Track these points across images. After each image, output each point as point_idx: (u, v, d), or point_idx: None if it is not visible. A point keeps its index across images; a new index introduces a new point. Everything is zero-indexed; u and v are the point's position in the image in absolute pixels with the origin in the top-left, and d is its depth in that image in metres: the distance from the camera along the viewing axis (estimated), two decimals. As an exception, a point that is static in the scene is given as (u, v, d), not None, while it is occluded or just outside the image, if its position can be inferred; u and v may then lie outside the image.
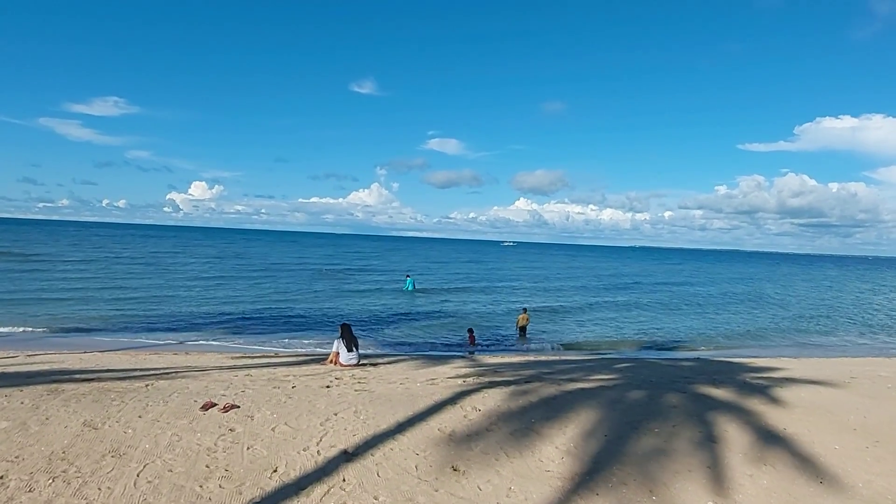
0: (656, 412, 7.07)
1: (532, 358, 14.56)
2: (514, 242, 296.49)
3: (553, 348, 18.25)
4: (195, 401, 6.89)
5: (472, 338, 18.02)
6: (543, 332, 21.11)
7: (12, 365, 9.95)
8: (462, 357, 14.67)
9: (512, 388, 8.21)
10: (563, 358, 14.70)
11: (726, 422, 6.73)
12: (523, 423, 6.48)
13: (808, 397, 8.22)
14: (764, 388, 8.75)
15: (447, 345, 17.96)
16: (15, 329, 16.89)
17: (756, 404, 7.61)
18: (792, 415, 7.18)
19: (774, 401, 7.87)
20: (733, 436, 6.26)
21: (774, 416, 7.05)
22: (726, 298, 37.67)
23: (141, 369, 9.81)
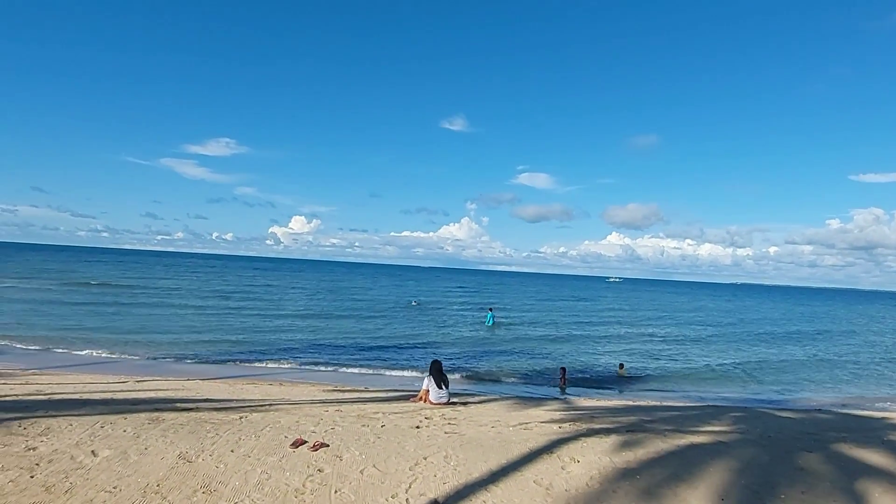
0: (784, 475, 6.19)
1: (631, 402, 13.63)
2: (620, 278, 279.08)
3: (650, 391, 17.07)
4: (286, 436, 6.83)
5: (563, 378, 17.25)
6: (640, 371, 19.90)
7: (121, 391, 10.48)
8: (555, 399, 14.01)
9: (612, 437, 7.56)
10: (665, 404, 13.64)
11: (874, 491, 5.76)
12: (627, 481, 5.86)
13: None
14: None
15: (538, 384, 17.28)
16: (130, 356, 18.07)
17: (907, 471, 6.51)
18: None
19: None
20: (884, 510, 5.32)
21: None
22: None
23: (237, 400, 10.01)
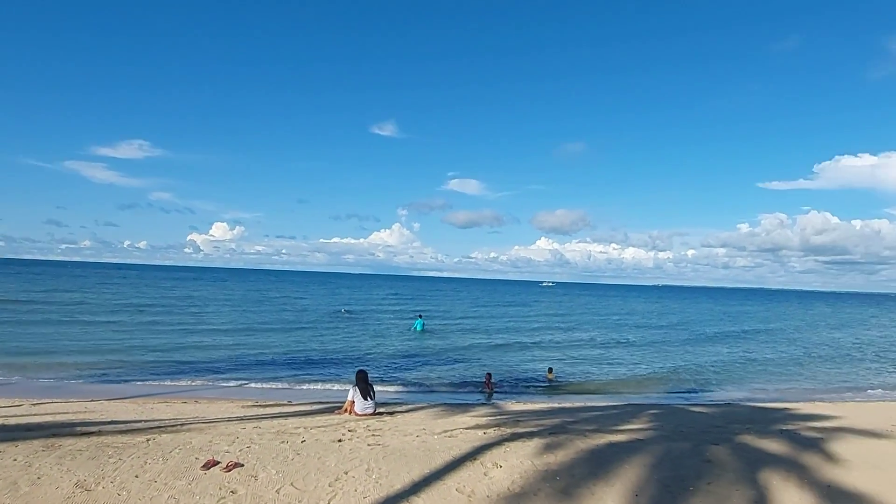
0: (693, 468, 6.46)
1: (556, 405, 13.91)
2: (553, 283, 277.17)
3: (577, 394, 17.51)
4: (196, 458, 6.46)
5: (489, 382, 17.40)
6: (569, 375, 20.40)
7: (14, 416, 9.62)
8: (482, 404, 14.09)
9: (535, 440, 7.65)
10: (588, 405, 14.02)
11: (772, 479, 6.11)
12: (548, 483, 5.93)
13: (859, 449, 7.52)
14: (808, 439, 8.07)
15: (466, 390, 17.35)
16: (27, 377, 16.65)
17: (802, 457, 6.96)
18: (844, 470, 6.52)
19: (822, 454, 7.20)
20: (782, 496, 5.63)
21: (825, 472, 6.40)
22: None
23: (145, 420, 9.43)
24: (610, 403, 14.62)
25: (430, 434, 8.49)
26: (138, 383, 16.39)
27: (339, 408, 11.45)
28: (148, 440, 7.33)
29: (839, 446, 7.69)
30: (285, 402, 13.75)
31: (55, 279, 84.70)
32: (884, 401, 16.87)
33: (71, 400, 12.51)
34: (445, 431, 8.71)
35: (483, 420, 10.20)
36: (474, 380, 18.81)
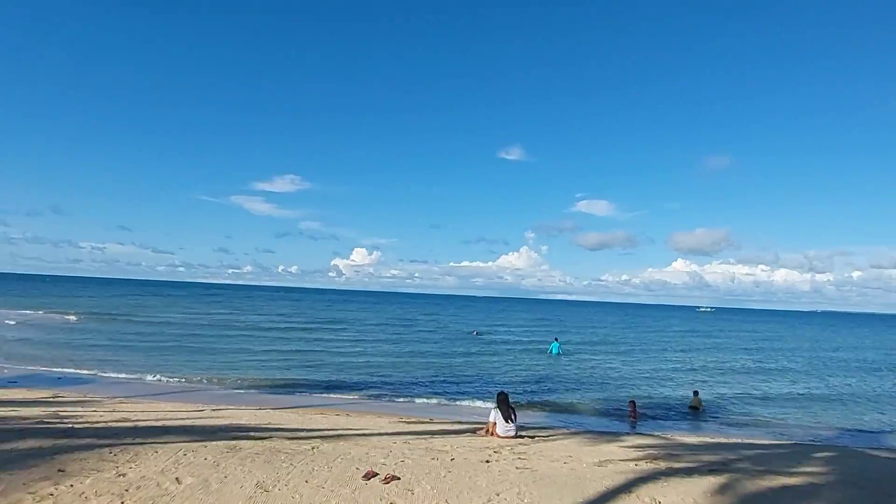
0: (891, 523, 5.69)
1: (710, 439, 12.94)
2: (712, 308, 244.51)
3: (732, 428, 16.12)
4: (357, 468, 6.85)
5: (633, 411, 16.58)
6: (721, 406, 18.88)
7: (200, 418, 10.86)
8: (627, 434, 13.49)
9: (695, 477, 7.17)
10: (748, 441, 12.87)
11: None
12: (715, 524, 5.53)
13: None
14: None
15: (607, 417, 16.68)
16: (210, 385, 18.96)
17: None
18: None
19: None
20: None
21: None
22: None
23: (307, 429, 10.18)
24: (773, 441, 13.31)
25: (579, 462, 8.29)
26: (295, 395, 17.82)
27: (480, 428, 11.52)
28: (313, 448, 7.91)
29: None
30: (427, 419, 14.15)
31: (229, 300, 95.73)
32: None
33: (242, 408, 13.90)
34: (594, 460, 8.45)
35: (632, 451, 9.76)
36: (614, 405, 18.07)
